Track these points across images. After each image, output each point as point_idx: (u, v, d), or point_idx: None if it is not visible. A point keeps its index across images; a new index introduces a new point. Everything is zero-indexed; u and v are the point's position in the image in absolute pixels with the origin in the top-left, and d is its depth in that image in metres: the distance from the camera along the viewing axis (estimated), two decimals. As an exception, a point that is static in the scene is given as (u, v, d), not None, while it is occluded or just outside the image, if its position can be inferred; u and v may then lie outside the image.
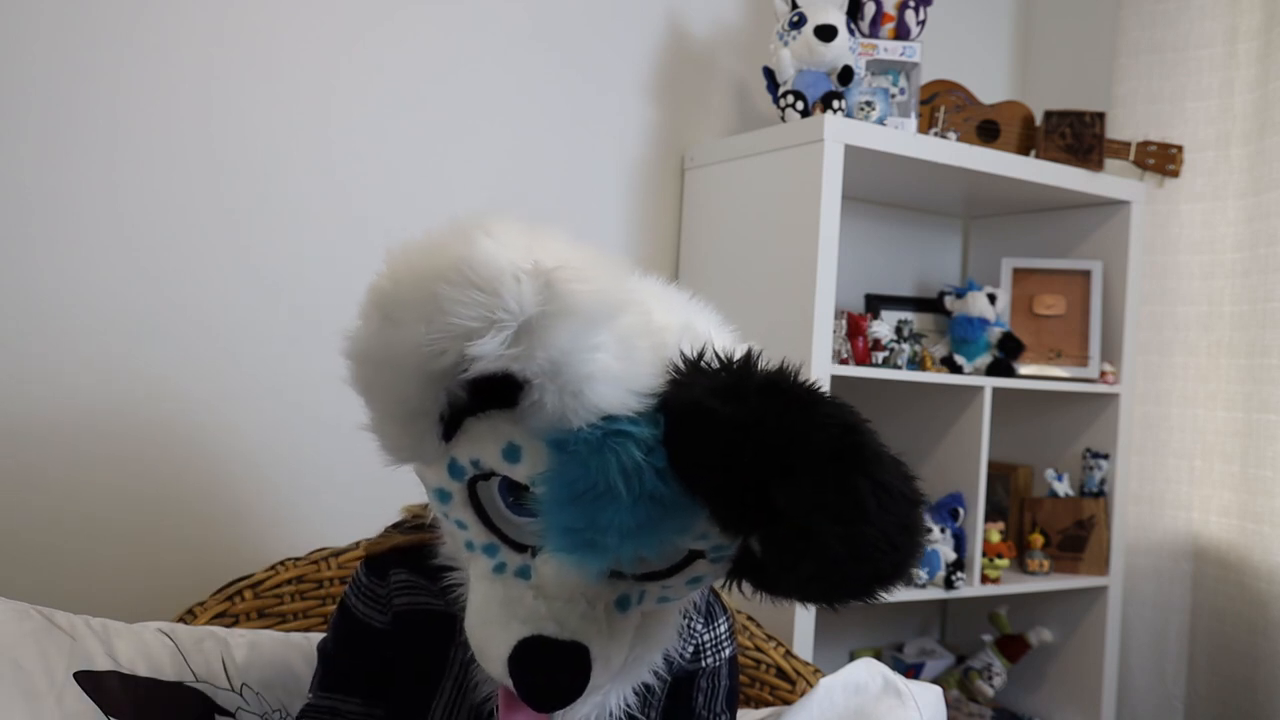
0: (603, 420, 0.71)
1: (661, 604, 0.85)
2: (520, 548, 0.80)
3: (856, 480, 0.67)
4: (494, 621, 0.79)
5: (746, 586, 0.78)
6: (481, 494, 0.80)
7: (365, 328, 0.74)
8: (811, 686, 1.21)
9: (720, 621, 1.01)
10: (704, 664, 0.98)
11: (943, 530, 1.83)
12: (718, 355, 0.74)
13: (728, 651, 1.01)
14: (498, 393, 0.73)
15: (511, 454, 0.76)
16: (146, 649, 1.07)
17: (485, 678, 0.90)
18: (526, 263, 0.68)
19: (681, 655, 0.95)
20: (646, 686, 0.91)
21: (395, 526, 1.00)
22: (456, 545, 0.85)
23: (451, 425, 0.78)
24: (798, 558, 0.68)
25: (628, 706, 0.88)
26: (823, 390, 0.73)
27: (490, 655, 0.79)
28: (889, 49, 1.83)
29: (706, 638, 0.99)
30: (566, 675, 0.77)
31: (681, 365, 0.74)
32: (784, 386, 0.71)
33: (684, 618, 0.95)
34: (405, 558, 0.95)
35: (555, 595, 0.78)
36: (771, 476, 0.67)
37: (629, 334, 0.72)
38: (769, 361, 0.75)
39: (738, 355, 0.75)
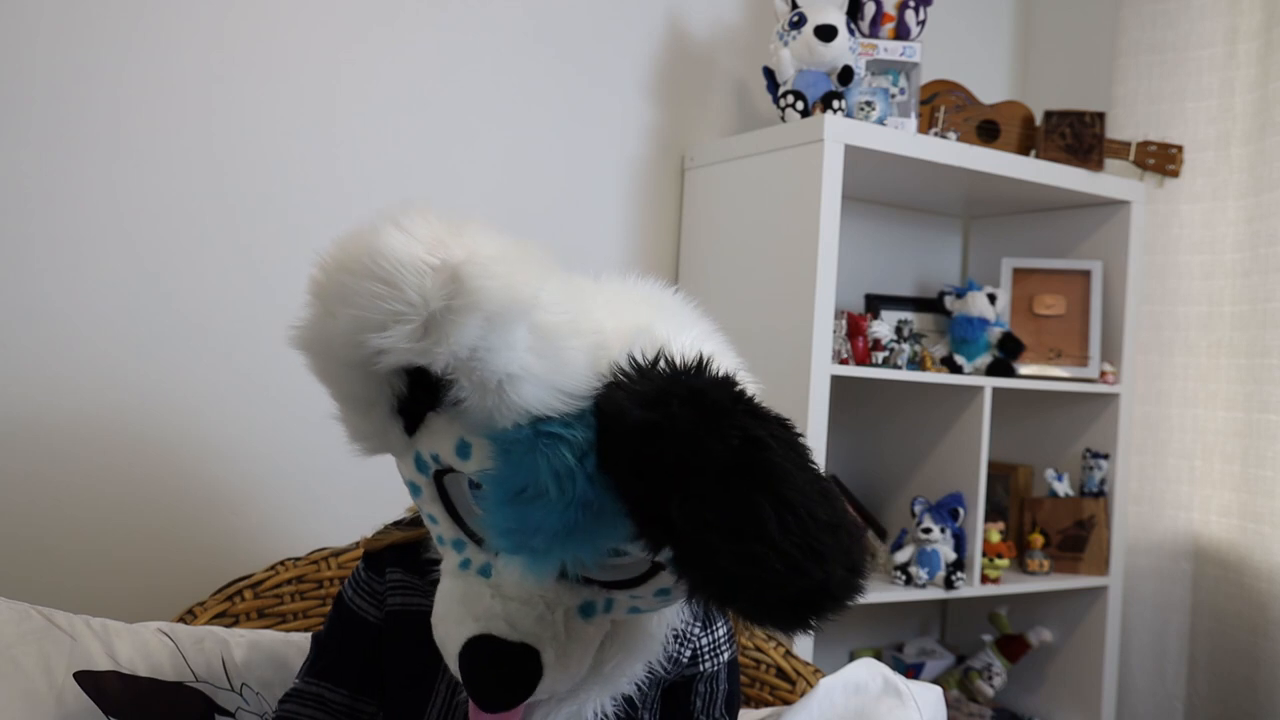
0: (534, 421, 0.69)
1: (633, 614, 0.84)
2: (486, 545, 0.79)
3: (753, 497, 0.63)
4: (451, 617, 0.79)
5: (711, 604, 0.73)
6: (451, 489, 0.79)
7: (305, 316, 0.74)
8: (811, 686, 1.21)
9: (718, 625, 1.00)
10: (702, 668, 0.97)
11: (943, 530, 1.83)
12: (669, 360, 0.70)
13: (726, 655, 1.00)
14: (430, 389, 0.73)
15: (463, 450, 0.75)
16: (146, 649, 1.07)
17: None
18: (433, 256, 0.67)
19: (679, 659, 0.94)
20: (640, 691, 0.90)
21: (396, 524, 1.00)
22: (433, 539, 0.86)
23: (414, 419, 0.77)
24: (696, 579, 0.66)
25: (605, 717, 0.87)
26: (752, 400, 0.69)
27: (448, 651, 0.79)
28: (889, 49, 1.83)
29: (704, 642, 0.98)
30: (511, 676, 0.76)
31: (624, 369, 0.70)
32: (708, 395, 0.67)
33: (680, 622, 0.94)
34: (403, 555, 0.95)
35: (513, 596, 0.77)
36: (670, 489, 0.64)
37: (551, 332, 0.69)
38: (726, 370, 0.71)
39: (684, 358, 0.71)
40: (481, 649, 0.76)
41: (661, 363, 0.70)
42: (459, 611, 0.78)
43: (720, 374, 0.70)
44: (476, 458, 0.74)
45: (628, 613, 0.83)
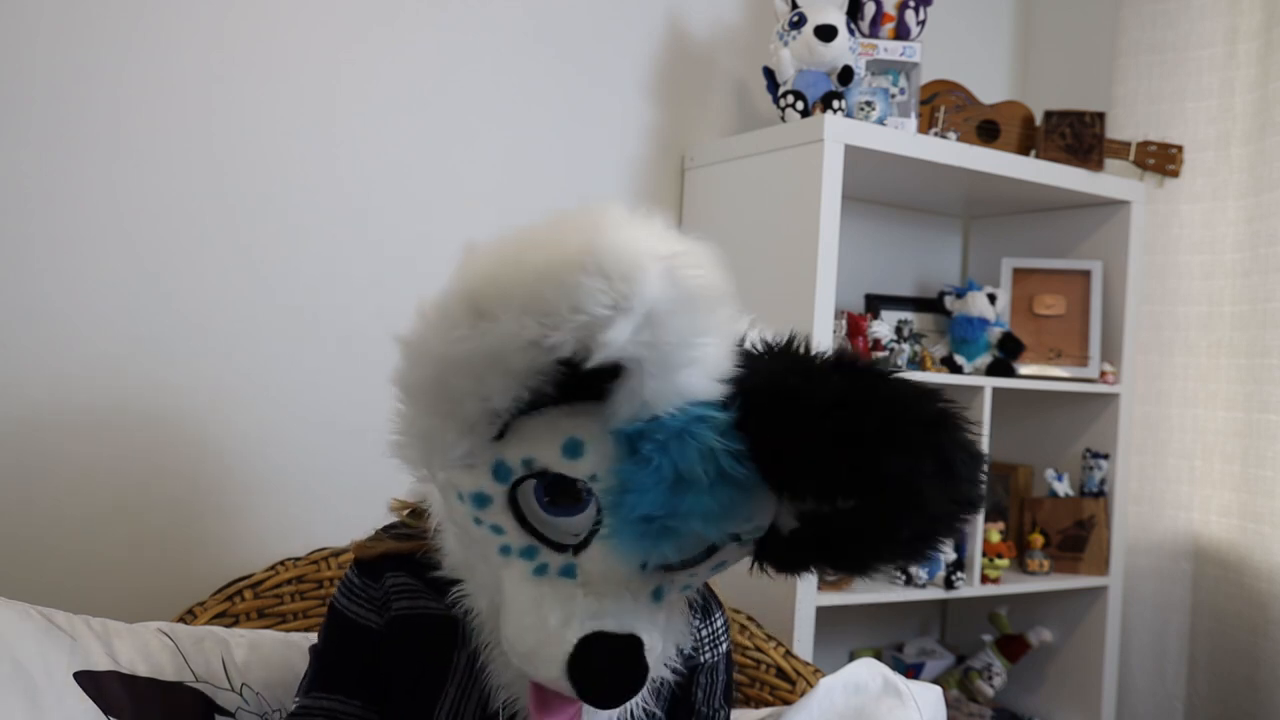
0: (686, 405, 0.72)
1: (684, 591, 0.86)
2: (560, 547, 0.79)
3: (949, 445, 0.71)
4: (547, 623, 0.77)
5: (769, 567, 0.80)
6: (520, 497, 0.78)
7: (446, 329, 0.71)
8: (811, 686, 1.21)
9: (716, 617, 1.01)
10: (702, 660, 0.98)
11: (943, 530, 1.82)
12: (765, 342, 0.79)
13: (724, 646, 1.01)
14: (586, 384, 0.72)
15: (573, 449, 0.75)
16: (146, 649, 1.07)
17: (503, 683, 0.88)
18: (653, 251, 0.68)
19: (680, 654, 0.95)
20: (660, 681, 0.91)
21: (386, 530, 0.99)
22: (481, 555, 0.83)
23: (504, 424, 0.77)
24: (900, 521, 0.71)
25: (645, 702, 0.87)
26: (883, 364, 0.77)
27: (546, 657, 0.77)
28: (889, 49, 1.83)
29: (704, 633, 0.99)
30: (629, 669, 0.77)
31: (751, 351, 0.77)
32: (852, 364, 0.76)
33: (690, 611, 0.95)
34: (400, 561, 0.94)
35: (604, 591, 0.78)
36: (876, 445, 0.69)
37: (727, 323, 0.74)
38: (809, 340, 0.81)
39: (782, 340, 0.80)
40: (600, 647, 0.76)
41: (771, 343, 0.80)
42: (556, 616, 0.77)
43: (826, 347, 0.81)
44: (592, 454, 0.74)
45: (682, 590, 0.85)
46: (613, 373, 0.70)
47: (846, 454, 0.69)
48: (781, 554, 0.78)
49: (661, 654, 0.85)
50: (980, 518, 1.88)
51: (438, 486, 0.85)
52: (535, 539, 0.79)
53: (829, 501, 0.73)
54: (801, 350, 0.78)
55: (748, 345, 0.79)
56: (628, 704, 0.85)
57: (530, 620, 0.78)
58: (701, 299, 0.69)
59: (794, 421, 0.71)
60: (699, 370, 0.71)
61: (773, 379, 0.74)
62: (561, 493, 0.76)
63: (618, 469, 0.73)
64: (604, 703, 0.77)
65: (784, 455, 0.72)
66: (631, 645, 0.77)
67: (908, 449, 0.69)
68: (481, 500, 0.79)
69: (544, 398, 0.73)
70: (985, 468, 0.77)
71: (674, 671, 0.93)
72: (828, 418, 0.69)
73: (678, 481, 0.70)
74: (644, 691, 0.86)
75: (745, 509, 0.75)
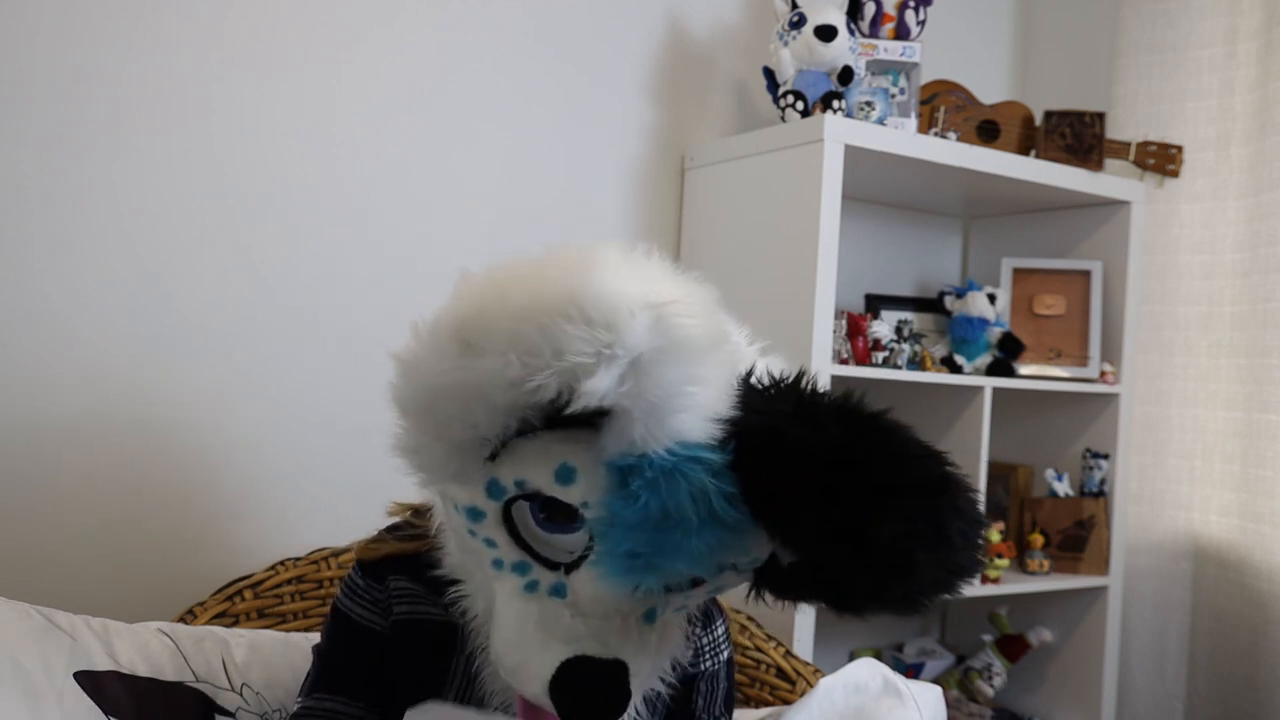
0: (677, 445, 0.70)
1: (679, 613, 0.85)
2: (553, 565, 0.78)
3: (947, 511, 0.69)
4: (531, 642, 0.77)
5: (767, 595, 0.79)
6: (515, 513, 0.78)
7: (436, 355, 0.71)
8: (811, 686, 1.21)
9: (717, 624, 1.01)
10: (703, 667, 0.98)
11: (943, 530, 1.82)
12: (772, 377, 0.76)
13: (725, 654, 1.01)
14: (573, 420, 0.71)
15: (565, 475, 0.74)
16: (146, 649, 1.07)
17: (497, 688, 0.89)
18: (640, 298, 0.67)
19: (674, 668, 0.95)
20: (654, 691, 0.91)
21: (389, 531, 0.99)
22: (477, 563, 0.84)
23: (499, 444, 0.76)
24: (890, 584, 0.69)
25: (637, 715, 0.87)
26: (888, 414, 0.74)
27: (529, 675, 0.78)
28: (889, 49, 1.83)
29: (705, 641, 0.99)
30: (610, 694, 0.76)
31: (741, 388, 0.75)
32: (856, 413, 0.73)
33: (688, 624, 0.94)
34: (404, 564, 0.94)
35: (592, 613, 0.77)
36: (868, 507, 0.67)
37: (722, 368, 0.72)
38: (819, 383, 0.78)
39: (789, 376, 0.77)
40: (578, 671, 0.76)
41: (764, 378, 0.76)
42: (540, 636, 0.77)
43: (836, 391, 0.76)
44: (583, 483, 0.74)
45: (675, 612, 0.84)
46: (602, 410, 0.69)
47: (838, 513, 0.68)
48: (778, 585, 0.77)
49: (652, 673, 0.84)
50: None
51: (436, 494, 0.85)
52: (528, 555, 0.79)
53: (819, 556, 0.71)
54: (807, 391, 0.76)
55: (755, 379, 0.77)
56: (631, 710, 0.85)
57: (517, 637, 0.78)
58: (691, 349, 0.68)
59: (787, 471, 0.69)
60: (690, 416, 0.70)
61: (770, 422, 0.71)
62: (557, 510, 0.76)
63: (607, 501, 0.72)
64: None
65: (775, 504, 0.70)
66: (614, 670, 0.76)
67: (902, 514, 0.67)
68: (475, 514, 0.79)
69: (559, 425, 0.73)
70: (984, 533, 0.75)
71: (669, 685, 0.92)
72: (822, 472, 0.68)
73: (665, 520, 0.69)
74: (638, 704, 0.86)
75: (737, 548, 0.74)
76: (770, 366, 0.81)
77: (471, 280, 0.72)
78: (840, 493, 0.67)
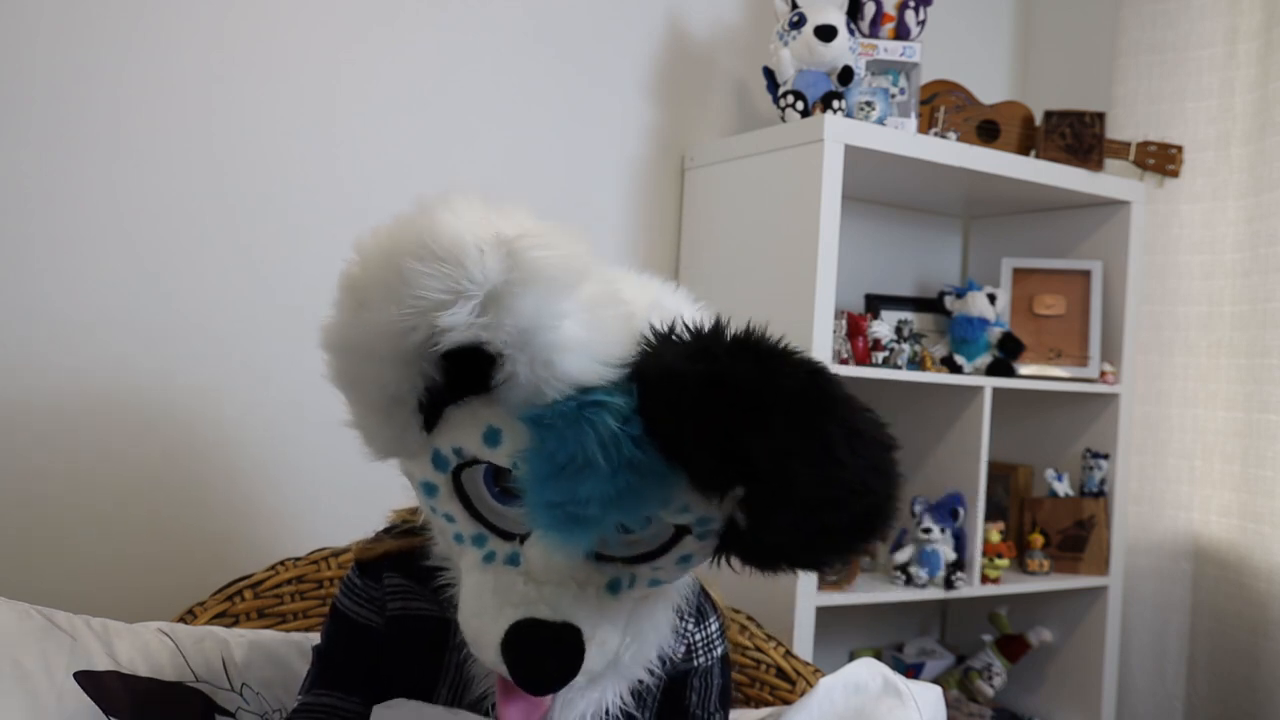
0: (577, 392, 0.71)
1: (654, 586, 0.85)
2: (508, 535, 0.80)
3: (825, 423, 0.68)
4: (487, 610, 0.79)
5: (735, 560, 0.79)
6: (467, 485, 0.80)
7: (339, 315, 0.75)
8: (811, 686, 1.20)
9: (711, 620, 1.01)
10: (696, 663, 0.99)
11: (943, 530, 1.83)
12: (687, 326, 0.75)
13: (719, 650, 1.01)
14: (471, 374, 0.73)
15: (492, 437, 0.76)
16: (146, 649, 1.07)
17: (481, 673, 0.90)
18: (488, 233, 0.68)
19: (674, 655, 0.95)
20: (643, 685, 0.91)
21: (386, 531, 1.00)
22: (446, 541, 0.86)
23: (432, 415, 0.78)
24: (774, 507, 0.69)
25: (624, 705, 0.88)
26: (791, 344, 0.73)
27: (484, 643, 0.79)
28: (889, 49, 1.83)
29: (698, 637, 0.99)
30: (560, 655, 0.77)
31: (652, 336, 0.75)
32: (752, 343, 0.72)
33: (678, 618, 0.94)
34: (398, 561, 0.95)
35: (545, 579, 0.78)
36: (744, 427, 0.67)
37: (594, 302, 0.72)
38: (737, 327, 0.75)
39: (707, 324, 0.75)
40: (526, 632, 0.77)
41: (681, 328, 0.74)
42: (494, 602, 0.79)
43: (745, 327, 0.74)
44: (509, 442, 0.75)
45: (649, 585, 0.84)
46: (491, 361, 0.71)
47: (722, 437, 0.68)
48: (742, 550, 0.78)
49: (628, 651, 0.85)
50: (980, 518, 1.88)
51: (406, 478, 0.86)
52: (483, 527, 0.80)
53: (721, 490, 0.72)
54: (712, 332, 0.74)
55: (671, 328, 0.76)
56: (603, 703, 0.86)
57: (474, 606, 0.80)
58: (549, 278, 0.69)
59: (676, 405, 0.70)
60: (574, 354, 0.70)
61: (666, 361, 0.71)
62: (506, 476, 0.77)
63: (520, 455, 0.74)
64: (535, 688, 0.78)
65: (673, 441, 0.71)
66: (564, 632, 0.77)
67: (776, 431, 0.67)
68: (430, 489, 0.81)
69: (458, 384, 0.75)
70: (887, 451, 0.72)
71: (656, 675, 0.93)
72: (700, 399, 0.68)
73: (576, 467, 0.70)
74: (623, 692, 0.87)
75: (658, 496, 0.74)
76: (692, 316, 0.80)
77: (361, 237, 0.75)
78: (719, 416, 0.68)
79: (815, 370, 0.70)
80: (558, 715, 0.86)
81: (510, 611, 0.78)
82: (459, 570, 0.86)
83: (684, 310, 0.82)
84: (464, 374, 0.74)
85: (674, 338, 0.74)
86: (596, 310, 0.72)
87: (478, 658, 0.82)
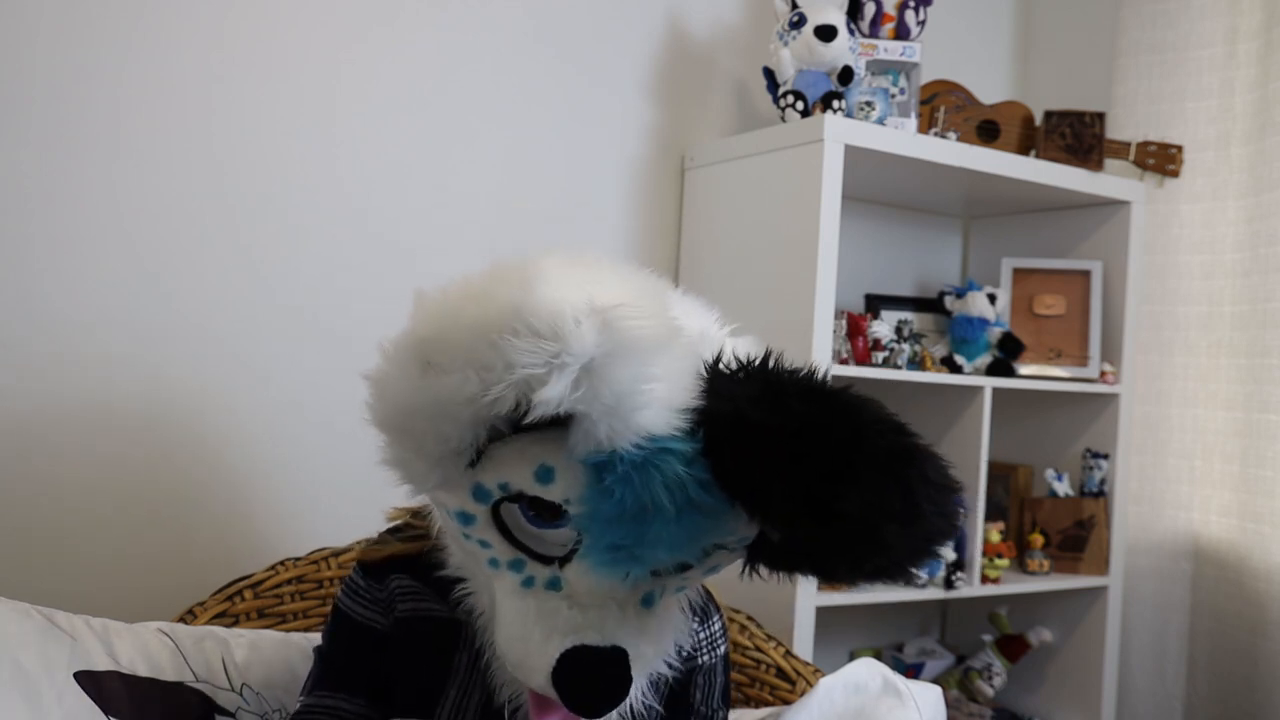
0: (645, 440, 0.72)
1: (679, 593, 0.87)
2: (546, 560, 0.80)
3: (910, 477, 0.70)
4: (532, 636, 0.79)
5: (762, 569, 0.81)
6: (504, 514, 0.80)
7: (401, 375, 0.74)
8: (811, 686, 1.20)
9: (714, 619, 1.02)
10: (700, 661, 0.99)
11: (943, 530, 1.83)
12: (739, 361, 0.77)
13: (722, 649, 1.02)
14: (538, 422, 0.73)
15: (545, 475, 0.76)
16: (146, 649, 1.07)
17: (498, 682, 0.90)
18: (583, 304, 0.68)
19: (679, 653, 0.95)
20: (659, 677, 0.91)
21: (391, 533, 1.00)
22: (476, 562, 0.86)
23: (478, 451, 0.78)
24: (863, 555, 0.71)
25: (644, 697, 0.88)
26: (855, 390, 0.75)
27: (532, 668, 0.80)
28: (889, 49, 1.83)
29: (702, 636, 1.00)
30: (612, 681, 0.78)
31: (709, 374, 0.76)
32: (820, 391, 0.74)
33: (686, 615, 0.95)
34: (405, 563, 0.95)
35: (589, 603, 0.79)
36: (832, 480, 0.68)
37: (678, 363, 0.74)
38: (787, 361, 0.78)
39: (757, 358, 0.78)
40: (578, 660, 0.78)
41: (732, 363, 0.77)
42: (540, 630, 0.79)
43: (803, 370, 0.77)
44: (563, 481, 0.76)
45: (675, 592, 0.86)
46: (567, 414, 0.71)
47: (804, 490, 0.69)
48: (771, 559, 0.79)
49: (656, 656, 0.86)
50: (980, 518, 1.88)
51: (430, 499, 0.87)
52: (522, 552, 0.81)
53: (795, 533, 0.73)
54: (772, 372, 0.77)
55: (723, 364, 0.78)
56: (627, 702, 0.86)
57: (519, 632, 0.81)
58: (641, 349, 0.69)
59: (754, 453, 0.71)
60: (652, 412, 0.71)
61: (736, 407, 0.73)
62: (545, 507, 0.78)
63: (585, 497, 0.74)
64: (589, 712, 0.79)
65: (746, 487, 0.72)
66: (614, 657, 0.78)
67: (866, 487, 0.69)
68: (466, 519, 0.81)
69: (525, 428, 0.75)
70: (958, 499, 0.76)
71: (674, 669, 0.93)
72: (786, 451, 0.69)
73: (642, 512, 0.72)
74: (644, 687, 0.87)
75: (718, 530, 0.76)
76: (739, 349, 0.83)
77: (427, 300, 0.75)
78: (805, 470, 0.69)
79: (899, 428, 0.73)
80: None
81: (559, 640, 0.78)
82: (478, 584, 0.87)
83: (725, 338, 0.84)
84: (531, 425, 0.73)
85: (735, 378, 0.76)
86: (680, 368, 0.74)
87: (522, 680, 0.83)
